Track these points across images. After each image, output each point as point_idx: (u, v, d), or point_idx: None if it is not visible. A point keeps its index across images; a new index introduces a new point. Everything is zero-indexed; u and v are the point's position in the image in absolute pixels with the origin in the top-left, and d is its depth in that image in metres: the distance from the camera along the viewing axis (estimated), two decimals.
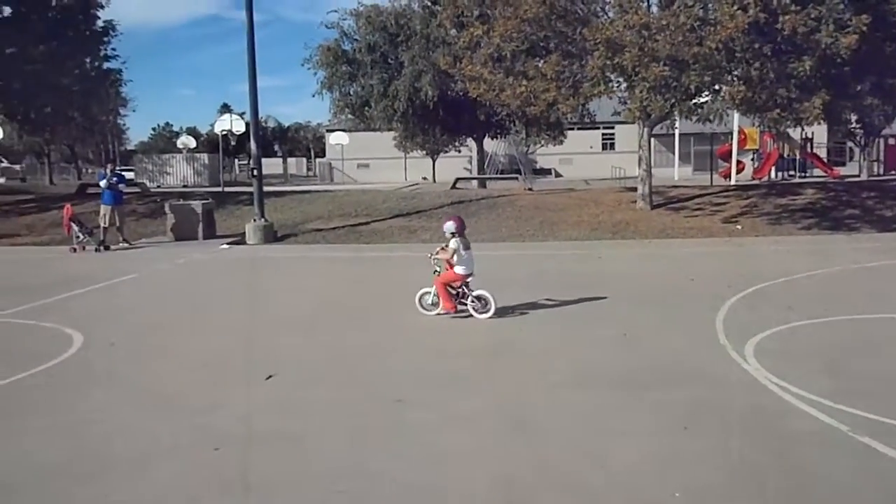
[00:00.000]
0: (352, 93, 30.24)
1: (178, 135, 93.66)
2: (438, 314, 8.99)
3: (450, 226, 8.95)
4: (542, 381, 6.47)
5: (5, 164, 76.50)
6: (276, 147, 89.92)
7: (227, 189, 31.39)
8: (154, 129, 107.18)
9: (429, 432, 5.29)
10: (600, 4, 18.36)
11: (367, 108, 30.28)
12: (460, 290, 8.93)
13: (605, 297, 9.99)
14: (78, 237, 17.20)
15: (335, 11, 27.89)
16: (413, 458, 4.83)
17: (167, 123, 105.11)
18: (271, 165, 61.10)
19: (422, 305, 9.12)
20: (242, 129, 40.29)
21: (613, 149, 49.65)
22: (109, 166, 20.56)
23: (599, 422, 5.44)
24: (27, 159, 79.06)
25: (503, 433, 5.26)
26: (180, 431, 5.37)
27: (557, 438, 5.15)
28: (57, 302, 10.67)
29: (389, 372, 6.90)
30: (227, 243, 17.68)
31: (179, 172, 46.49)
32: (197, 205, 19.10)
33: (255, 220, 18.30)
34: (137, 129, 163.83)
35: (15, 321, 9.39)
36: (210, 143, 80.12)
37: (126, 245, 17.64)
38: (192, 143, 56.07)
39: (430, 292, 9.09)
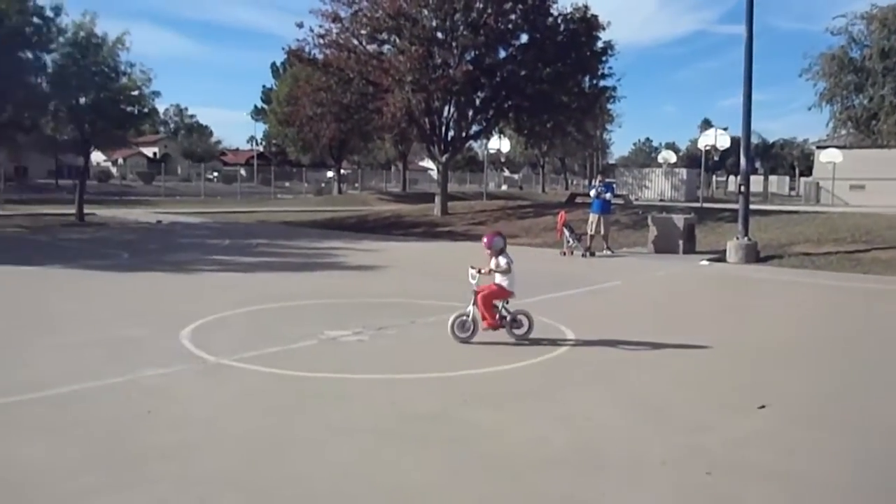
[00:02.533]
0: (856, 104, 27.18)
1: (657, 150, 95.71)
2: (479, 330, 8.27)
3: (499, 242, 8.53)
4: None
5: (506, 173, 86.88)
6: (758, 164, 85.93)
7: (705, 205, 30.91)
8: (634, 143, 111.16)
9: None
10: None
11: (873, 121, 26.92)
12: (502, 309, 8.51)
13: None
14: (568, 242, 18.62)
15: (843, 16, 25.49)
16: None
17: (647, 139, 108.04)
18: (752, 183, 58.47)
19: (456, 333, 8.30)
20: (727, 144, 39.29)
21: None
22: (599, 177, 21.85)
23: None
24: (524, 170, 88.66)
25: None
26: (670, 446, 5.30)
27: None
28: (552, 299, 11.59)
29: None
30: (707, 259, 17.34)
31: (657, 186, 47.36)
32: (679, 219, 19.13)
33: (737, 238, 17.60)
34: (619, 143, 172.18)
35: None
36: (688, 159, 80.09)
37: (609, 253, 18.52)
38: (672, 157, 56.67)
39: (467, 315, 8.31)
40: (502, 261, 8.40)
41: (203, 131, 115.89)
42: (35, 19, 25.27)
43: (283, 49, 33.68)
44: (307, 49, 29.74)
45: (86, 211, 28.68)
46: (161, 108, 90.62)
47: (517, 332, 8.49)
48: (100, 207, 33.28)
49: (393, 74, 27.41)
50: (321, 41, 29.19)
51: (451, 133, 31.28)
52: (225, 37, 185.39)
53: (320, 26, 29.05)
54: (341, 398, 6.29)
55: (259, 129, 79.22)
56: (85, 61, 26.66)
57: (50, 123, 28.92)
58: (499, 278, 8.42)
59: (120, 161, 78.44)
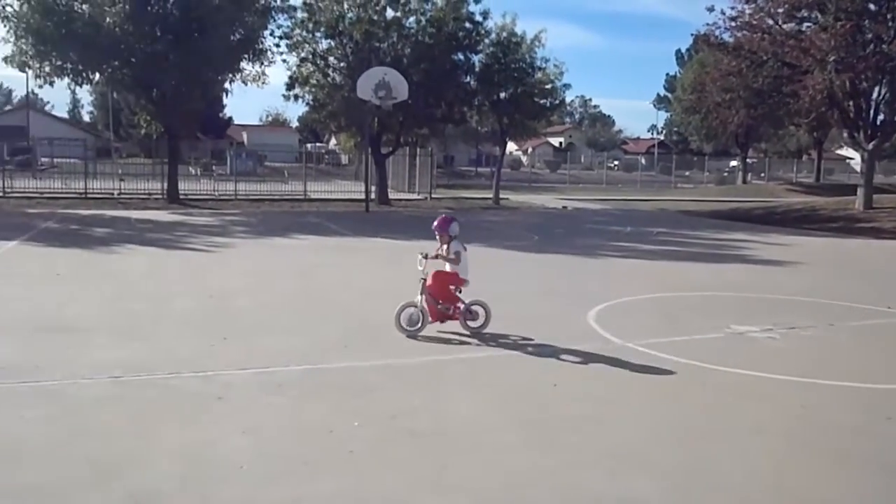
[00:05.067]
0: None
1: None
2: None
3: (455, 227, 7.82)
4: None
5: None
6: None
7: None
8: None
9: None
10: None
11: None
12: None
13: None
14: None
15: None
16: None
17: None
18: None
19: (403, 325, 7.54)
20: None
21: None
22: None
23: None
24: None
25: None
26: None
27: None
28: None
29: None
30: None
31: None
32: None
33: None
34: None
35: None
36: None
37: None
38: None
39: (414, 306, 7.54)
40: (453, 247, 7.80)
41: (606, 121, 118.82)
42: (467, 24, 28.36)
43: (691, 35, 33.01)
44: (717, 33, 28.66)
45: (500, 196, 31.49)
46: (567, 100, 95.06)
47: (472, 324, 7.82)
48: (512, 193, 36.23)
49: (813, 54, 25.06)
50: (732, 24, 27.88)
51: (880, 117, 27.59)
52: (629, 27, 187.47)
53: (732, 8, 27.85)
54: (749, 396, 6.06)
55: (661, 117, 78.78)
56: (506, 59, 29.21)
57: (475, 117, 32.30)
58: (448, 266, 7.84)
59: (529, 150, 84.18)
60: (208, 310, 8.90)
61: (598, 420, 5.42)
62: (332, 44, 27.98)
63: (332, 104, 28.13)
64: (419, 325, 7.53)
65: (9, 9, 23.39)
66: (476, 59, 29.61)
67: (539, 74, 30.30)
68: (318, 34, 27.73)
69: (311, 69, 28.10)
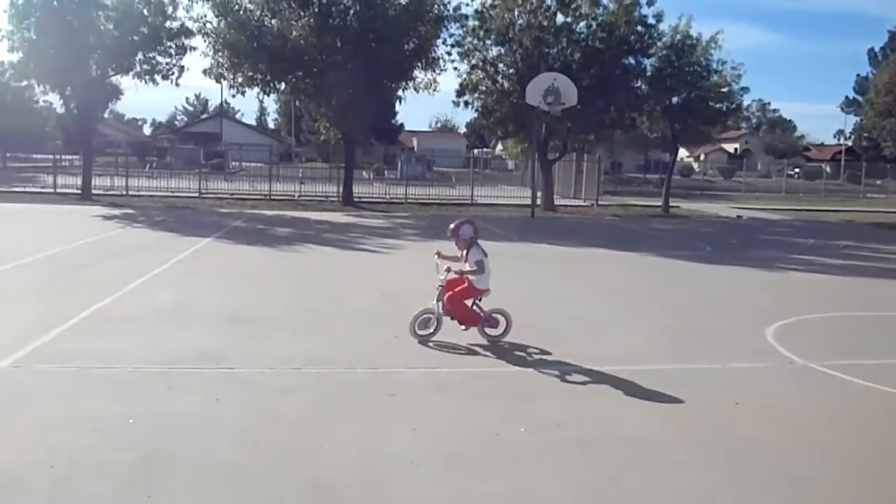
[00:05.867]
0: None
1: None
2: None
3: (467, 230, 7.27)
4: None
5: None
6: None
7: None
8: None
9: None
10: None
11: None
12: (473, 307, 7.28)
13: None
14: None
15: None
16: None
17: None
18: None
19: (416, 331, 7.24)
20: None
21: None
22: None
23: None
24: None
25: None
26: None
27: None
28: None
29: None
30: None
31: None
32: None
33: None
34: None
35: None
36: None
37: None
38: None
39: (431, 312, 7.20)
40: (472, 256, 7.25)
41: (786, 125, 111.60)
42: (639, 28, 27.68)
43: (887, 31, 30.36)
44: None
45: (670, 204, 30.44)
46: (744, 104, 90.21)
47: (491, 332, 7.39)
48: (683, 201, 34.92)
49: None
50: None
51: None
52: (815, 25, 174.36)
53: None
54: None
55: (849, 121, 72.87)
56: (680, 62, 28.20)
57: (645, 122, 31.43)
58: (469, 276, 7.28)
59: (701, 157, 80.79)
60: (381, 308, 9.27)
61: (778, 444, 5.11)
62: (502, 51, 28.23)
63: (501, 110, 28.38)
64: (432, 330, 7.29)
65: (209, 25, 25.64)
66: (648, 62, 28.80)
67: (715, 77, 29.00)
68: (488, 41, 28.09)
69: (481, 76, 28.52)
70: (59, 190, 28.04)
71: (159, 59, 26.28)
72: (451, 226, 7.44)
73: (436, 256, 7.31)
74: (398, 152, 50.05)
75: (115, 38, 25.04)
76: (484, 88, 28.45)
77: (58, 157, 35.13)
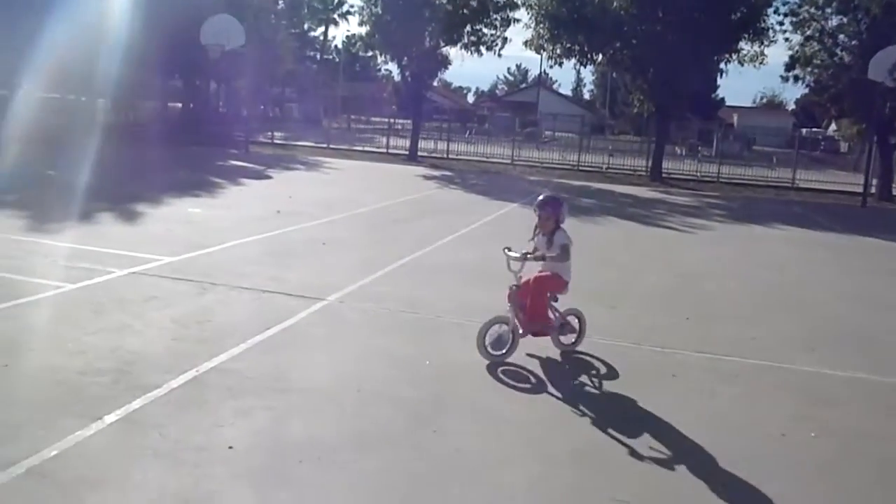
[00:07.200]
0: None
1: None
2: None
3: (565, 211, 5.87)
4: None
5: None
6: None
7: None
8: None
9: None
10: None
11: None
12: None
13: None
14: None
15: None
16: None
17: None
18: None
19: (489, 350, 5.57)
20: None
21: None
22: None
23: None
24: None
25: None
26: None
27: None
28: None
29: None
30: None
31: None
32: None
33: None
34: None
35: None
36: None
37: None
38: None
39: (504, 322, 5.59)
40: (558, 239, 5.76)
41: None
42: None
43: None
44: None
45: None
46: None
47: (565, 339, 6.02)
48: None
49: None
50: None
51: None
52: None
53: None
54: None
55: None
56: None
57: None
58: (550, 265, 5.79)
59: None
60: (675, 288, 9.05)
61: None
62: (844, 20, 25.32)
63: (837, 86, 25.62)
64: (507, 348, 5.68)
65: None
66: None
67: None
68: (828, 10, 25.36)
69: (816, 48, 25.86)
70: (390, 150, 31.14)
71: (485, 30, 27.98)
72: (541, 198, 5.96)
73: (505, 251, 5.76)
74: (715, 128, 47.32)
75: (448, 11, 27.00)
76: (819, 62, 25.83)
77: (392, 120, 38.97)
